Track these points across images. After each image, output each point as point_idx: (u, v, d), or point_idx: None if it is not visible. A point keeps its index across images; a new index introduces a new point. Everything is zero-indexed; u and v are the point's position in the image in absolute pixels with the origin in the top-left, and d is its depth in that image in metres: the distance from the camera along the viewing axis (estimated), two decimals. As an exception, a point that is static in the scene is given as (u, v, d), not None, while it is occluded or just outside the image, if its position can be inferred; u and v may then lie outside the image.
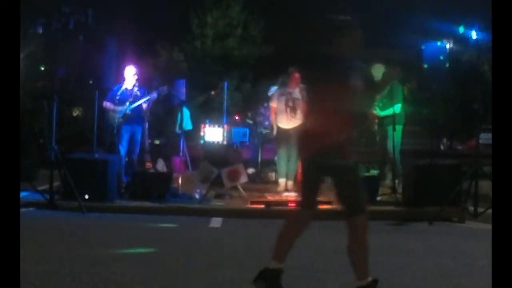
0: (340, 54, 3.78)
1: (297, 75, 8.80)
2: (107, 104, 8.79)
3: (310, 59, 4.08)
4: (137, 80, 8.92)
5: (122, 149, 8.73)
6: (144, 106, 8.85)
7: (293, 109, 8.75)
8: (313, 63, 4.02)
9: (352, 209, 3.83)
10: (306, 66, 4.17)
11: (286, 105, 8.77)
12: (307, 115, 3.98)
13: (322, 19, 3.95)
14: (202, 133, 10.21)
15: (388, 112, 8.95)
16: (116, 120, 8.74)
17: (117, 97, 8.75)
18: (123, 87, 8.82)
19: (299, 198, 4.18)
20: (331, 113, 3.69)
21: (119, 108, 8.72)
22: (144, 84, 9.34)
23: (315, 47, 3.99)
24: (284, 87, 8.96)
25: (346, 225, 3.84)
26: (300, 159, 4.10)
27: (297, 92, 8.78)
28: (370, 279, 3.81)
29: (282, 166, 8.89)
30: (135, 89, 8.83)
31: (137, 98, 8.77)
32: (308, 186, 4.03)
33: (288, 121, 8.78)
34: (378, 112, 9.10)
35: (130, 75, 8.85)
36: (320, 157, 3.76)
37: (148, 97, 8.77)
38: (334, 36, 3.80)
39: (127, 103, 8.74)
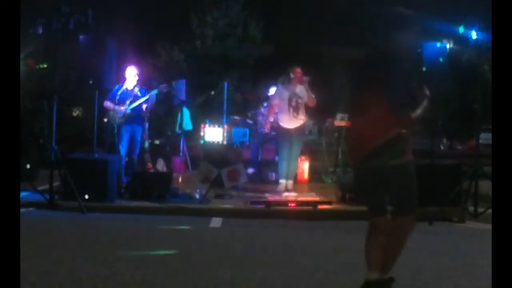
0: (399, 50, 3.64)
1: (298, 71, 8.73)
2: (107, 104, 8.81)
3: (366, 56, 3.85)
4: (138, 80, 8.95)
5: (122, 149, 8.74)
6: (144, 106, 8.87)
7: (296, 109, 8.69)
8: (369, 59, 3.79)
9: (401, 209, 3.65)
10: (360, 63, 3.88)
11: (289, 104, 8.69)
12: (353, 116, 3.76)
13: (388, 11, 3.73)
14: (202, 133, 10.23)
15: None
16: (117, 120, 8.76)
17: (118, 97, 8.77)
18: (124, 87, 8.84)
19: (375, 209, 3.76)
20: (382, 112, 3.53)
21: (120, 108, 8.74)
22: (145, 84, 9.36)
23: (374, 42, 3.77)
24: (287, 84, 8.91)
25: (393, 222, 3.65)
26: (351, 164, 3.88)
27: (299, 90, 8.71)
28: (388, 276, 3.74)
29: (283, 166, 8.84)
30: (136, 89, 8.86)
31: (137, 98, 8.79)
32: (372, 191, 3.73)
33: (290, 121, 8.73)
34: None
35: (131, 76, 8.87)
36: (371, 158, 3.58)
37: (147, 96, 8.79)
38: (398, 30, 3.64)
39: (127, 103, 8.76)
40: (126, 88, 8.84)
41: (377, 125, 3.57)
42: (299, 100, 8.68)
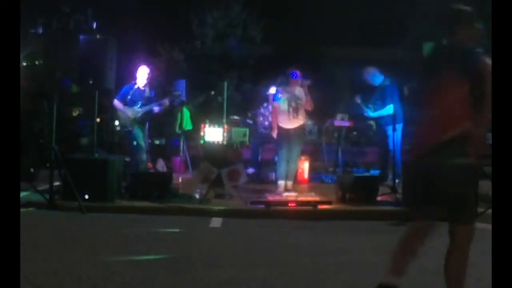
0: (461, 45, 3.56)
1: (297, 73, 8.73)
2: (116, 103, 8.98)
3: (433, 52, 3.76)
4: (148, 80, 9.13)
5: (142, 147, 8.97)
6: (156, 109, 9.11)
7: (296, 110, 8.69)
8: (434, 55, 3.71)
9: (457, 215, 3.46)
10: (427, 58, 3.80)
11: (289, 105, 8.71)
12: (421, 109, 3.59)
13: (448, 8, 3.71)
14: (202, 133, 10.23)
15: (380, 113, 9.03)
16: (128, 121, 8.95)
17: (129, 97, 8.93)
18: (135, 87, 9.00)
19: (412, 211, 3.66)
20: (449, 106, 3.39)
21: (128, 110, 8.85)
22: (154, 86, 9.54)
23: (439, 39, 3.72)
24: (285, 86, 8.89)
25: (449, 232, 3.52)
26: (409, 161, 3.67)
27: (298, 91, 8.72)
28: None
29: (282, 167, 8.83)
30: (147, 90, 9.04)
31: (149, 100, 9.03)
32: (420, 193, 3.55)
33: (290, 122, 8.72)
34: (369, 113, 9.17)
35: (142, 76, 9.03)
36: (433, 154, 3.40)
37: (160, 102, 9.08)
38: (458, 26, 3.61)
39: (139, 104, 8.96)
40: (138, 88, 8.99)
41: (447, 118, 3.40)
42: (298, 101, 8.68)
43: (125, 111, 8.88)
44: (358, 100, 9.25)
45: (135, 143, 9.00)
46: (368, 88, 9.44)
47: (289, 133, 8.72)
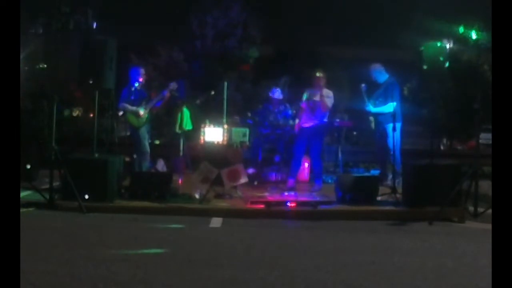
0: None
1: (318, 76, 9.00)
2: (124, 105, 9.03)
3: None
4: (145, 81, 9.26)
5: (147, 147, 9.17)
6: (159, 103, 9.28)
7: (313, 110, 9.01)
8: None
9: None
10: None
11: (308, 105, 9.06)
12: None
13: None
14: (202, 133, 10.24)
15: (380, 109, 9.05)
16: (140, 122, 9.08)
17: (131, 97, 9.02)
18: (134, 88, 9.10)
19: None
20: None
21: (139, 109, 9.01)
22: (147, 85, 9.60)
23: None
24: (310, 88, 9.12)
25: None
26: None
27: (319, 93, 8.96)
28: None
29: (295, 164, 9.15)
30: (143, 90, 9.22)
31: (150, 99, 9.17)
32: None
33: (307, 120, 9.06)
34: (370, 108, 9.20)
35: (140, 76, 9.13)
36: None
37: (162, 95, 9.19)
38: None
39: (143, 104, 9.07)
40: (136, 89, 9.09)
41: None
42: (316, 101, 8.94)
43: (137, 111, 9.02)
44: (363, 88, 9.23)
45: (146, 142, 9.18)
46: (371, 84, 9.46)
47: (307, 131, 9.03)
